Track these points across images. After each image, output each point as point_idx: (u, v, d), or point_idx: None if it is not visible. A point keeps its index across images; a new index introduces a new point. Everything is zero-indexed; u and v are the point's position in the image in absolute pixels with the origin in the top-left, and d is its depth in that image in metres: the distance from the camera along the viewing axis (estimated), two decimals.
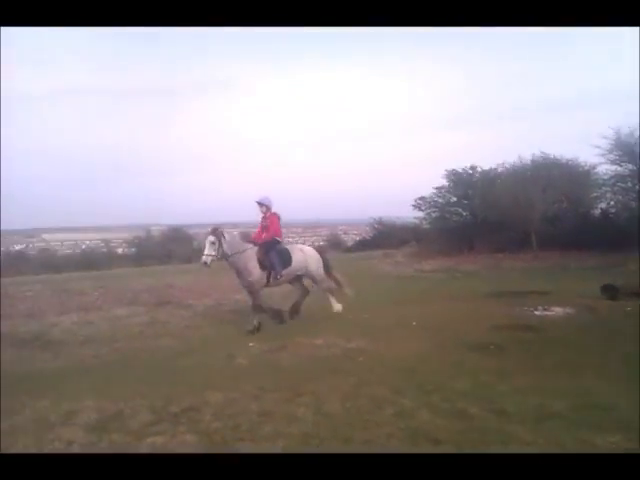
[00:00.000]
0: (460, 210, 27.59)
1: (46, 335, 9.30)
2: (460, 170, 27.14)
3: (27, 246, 53.95)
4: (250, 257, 9.39)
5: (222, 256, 9.17)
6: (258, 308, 9.49)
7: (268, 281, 9.59)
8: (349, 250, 40.06)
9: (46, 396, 5.88)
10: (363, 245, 40.78)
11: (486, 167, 27.17)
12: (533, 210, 21.91)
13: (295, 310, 10.29)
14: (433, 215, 28.28)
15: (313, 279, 10.44)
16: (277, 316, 9.83)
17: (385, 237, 38.37)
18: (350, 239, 50.91)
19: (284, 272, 9.66)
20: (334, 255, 35.94)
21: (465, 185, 26.91)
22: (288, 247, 10.19)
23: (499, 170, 26.64)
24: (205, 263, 9.05)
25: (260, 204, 9.84)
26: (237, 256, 9.31)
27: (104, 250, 40.34)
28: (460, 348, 7.43)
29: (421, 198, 28.18)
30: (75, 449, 4.46)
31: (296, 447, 4.36)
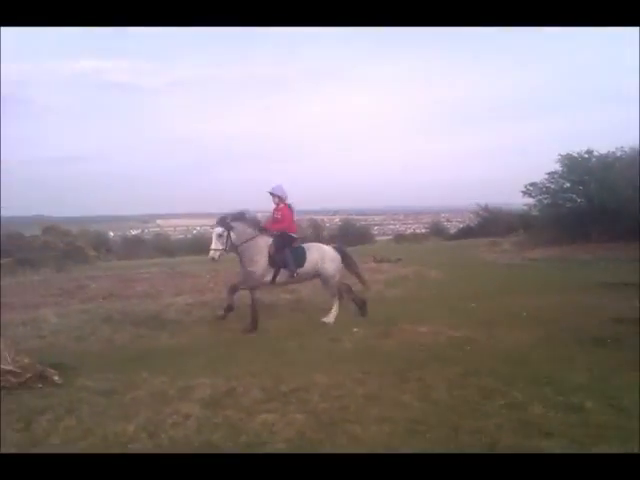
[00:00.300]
0: (574, 196, 25.99)
1: (162, 315, 9.87)
2: (575, 154, 25.58)
3: (143, 231, 57.29)
4: (260, 248, 8.69)
5: (231, 249, 8.61)
6: (232, 290, 8.88)
7: (274, 280, 8.83)
8: (452, 238, 39.24)
9: (164, 372, 6.25)
10: (467, 233, 39.74)
11: (603, 151, 25.45)
12: None
13: (361, 304, 9.54)
14: (545, 202, 26.91)
15: (325, 280, 9.31)
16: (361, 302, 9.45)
17: (490, 225, 37.16)
18: (453, 226, 49.87)
19: (299, 272, 8.88)
20: (436, 243, 35.46)
21: (580, 170, 25.32)
22: (305, 245, 9.29)
23: (618, 154, 24.89)
24: (213, 259, 8.58)
25: (272, 194, 9.01)
26: (246, 245, 8.66)
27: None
28: (574, 341, 7.10)
29: (532, 184, 26.86)
30: (192, 423, 4.74)
31: (402, 432, 4.39)
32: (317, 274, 9.22)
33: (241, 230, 8.63)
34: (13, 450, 4.25)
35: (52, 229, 25.31)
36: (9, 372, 5.96)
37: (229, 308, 8.79)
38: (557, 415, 4.59)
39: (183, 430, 4.58)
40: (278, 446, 4.25)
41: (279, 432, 4.49)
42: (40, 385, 5.92)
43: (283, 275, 8.79)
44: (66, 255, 22.55)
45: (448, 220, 58.30)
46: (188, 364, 6.69)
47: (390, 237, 46.48)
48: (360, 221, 50.51)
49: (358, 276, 9.83)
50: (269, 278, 8.75)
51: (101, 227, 40.81)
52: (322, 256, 9.10)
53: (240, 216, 8.76)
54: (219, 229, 8.47)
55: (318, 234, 39.35)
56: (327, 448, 4.18)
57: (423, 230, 47.28)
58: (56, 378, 6.05)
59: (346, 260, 9.56)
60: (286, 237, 8.90)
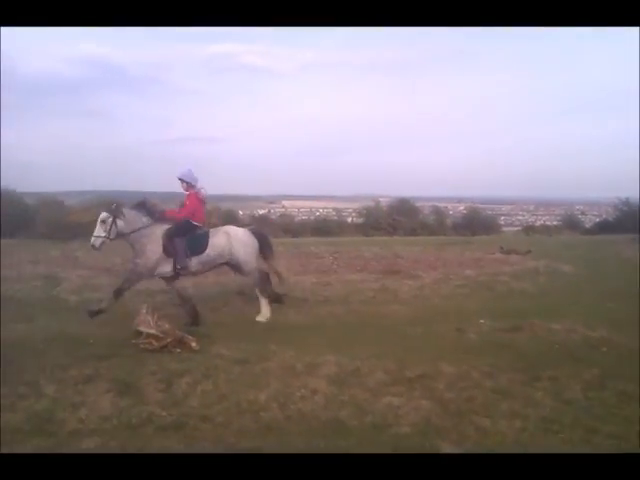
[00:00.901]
0: None
1: (290, 292, 10.17)
2: None
3: (269, 211, 59.23)
4: (156, 237, 7.93)
5: (117, 236, 7.81)
6: (119, 294, 7.83)
7: (175, 271, 8.05)
8: (587, 232, 36.81)
9: (291, 347, 6.47)
10: (603, 227, 37.05)
11: None
12: None
13: (276, 298, 8.85)
14: None
15: (239, 269, 8.49)
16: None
17: (630, 220, 34.33)
18: (588, 220, 46.74)
19: (198, 261, 8.06)
20: (570, 236, 33.43)
21: None
22: (212, 230, 8.43)
23: None
24: (93, 246, 7.78)
25: (181, 180, 8.28)
26: (137, 234, 7.90)
27: (335, 218, 42.60)
28: None
29: None
30: (320, 398, 4.88)
31: (534, 430, 4.25)
32: (229, 262, 8.42)
33: (132, 218, 7.91)
34: (158, 410, 4.62)
35: None
36: (152, 336, 6.47)
37: (99, 311, 7.71)
38: None
39: (311, 404, 4.75)
40: (403, 429, 4.29)
41: (404, 416, 4.52)
42: (179, 350, 6.36)
43: (194, 264, 8.07)
44: None
45: (583, 213, 54.69)
46: (314, 341, 6.87)
47: (518, 228, 44.48)
48: (486, 210, 48.83)
49: (271, 267, 8.86)
50: (166, 269, 8.00)
51: (230, 206, 42.58)
52: (230, 240, 8.26)
53: (138, 204, 8.14)
54: (103, 215, 7.76)
55: (441, 222, 38.62)
56: (453, 437, 4.15)
57: (555, 222, 44.67)
58: (194, 344, 6.47)
59: (263, 246, 8.66)
60: (185, 225, 8.12)
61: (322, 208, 61.20)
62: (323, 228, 35.15)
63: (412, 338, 7.11)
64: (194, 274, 8.44)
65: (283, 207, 69.44)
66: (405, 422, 4.41)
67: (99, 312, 7.63)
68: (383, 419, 4.46)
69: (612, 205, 40.07)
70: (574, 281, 11.97)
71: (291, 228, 35.73)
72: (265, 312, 8.37)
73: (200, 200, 8.30)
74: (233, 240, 8.25)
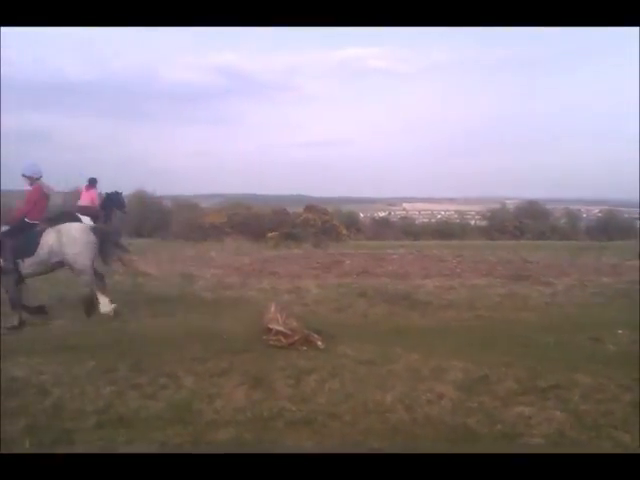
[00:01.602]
0: None
1: (413, 295, 10.14)
2: None
3: (389, 213, 59.16)
4: None
5: None
6: (15, 305, 7.54)
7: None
8: None
9: (416, 350, 6.45)
10: None
11: None
12: None
13: (88, 307, 8.05)
14: None
15: (71, 268, 7.92)
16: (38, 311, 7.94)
17: None
18: None
19: (32, 262, 7.55)
20: None
21: None
22: (47, 228, 7.77)
23: None
24: None
25: (23, 176, 7.75)
26: None
27: (457, 221, 41.74)
28: None
29: None
30: (447, 403, 4.84)
31: None
32: (60, 259, 7.79)
33: None
34: (288, 405, 4.82)
35: (312, 208, 27.50)
36: (280, 332, 6.75)
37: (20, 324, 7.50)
38: None
39: (438, 409, 4.72)
40: (535, 440, 4.15)
41: (536, 426, 4.37)
42: (305, 348, 6.58)
43: (27, 265, 7.59)
44: (323, 232, 24.47)
45: None
46: (439, 345, 6.80)
47: None
48: (624, 213, 45.41)
49: (130, 267, 8.60)
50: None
51: (351, 208, 43.04)
52: (60, 238, 7.65)
53: None
54: None
55: (574, 225, 36.50)
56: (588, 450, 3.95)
57: None
58: (319, 343, 6.66)
59: (105, 245, 8.14)
60: (20, 225, 7.68)
61: (444, 210, 60.17)
62: (445, 231, 34.55)
63: (544, 347, 6.81)
64: (28, 276, 7.86)
65: (404, 209, 69.12)
66: (537, 432, 4.26)
67: (17, 326, 7.41)
68: (513, 428, 4.34)
69: None
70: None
71: (412, 230, 35.49)
72: (106, 303, 8.01)
73: (43, 195, 7.84)
74: (64, 237, 7.68)
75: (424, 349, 6.52)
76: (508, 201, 45.70)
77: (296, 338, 6.70)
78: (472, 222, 43.91)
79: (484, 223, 39.56)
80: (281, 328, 6.78)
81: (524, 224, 33.72)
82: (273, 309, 7.07)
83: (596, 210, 45.86)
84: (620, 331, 7.53)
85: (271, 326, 6.82)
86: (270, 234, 22.86)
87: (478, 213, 45.44)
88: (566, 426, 4.36)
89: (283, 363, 5.94)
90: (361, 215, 46.34)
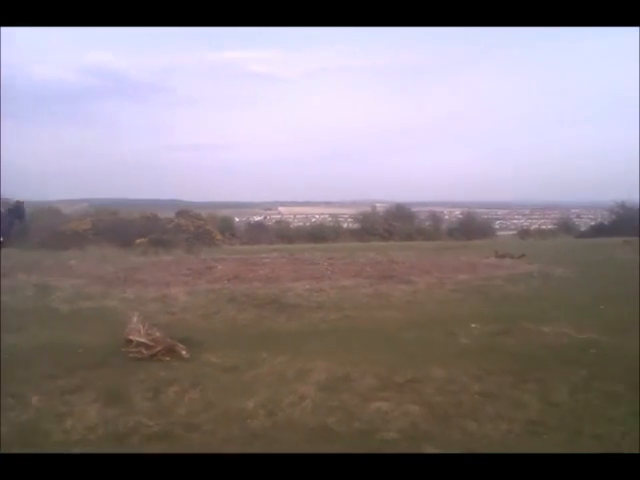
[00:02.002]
0: None
1: (282, 299, 10.20)
2: None
3: (265, 217, 59.28)
4: None
5: None
6: None
7: None
8: (582, 235, 36.96)
9: (283, 353, 6.48)
10: (599, 231, 37.17)
11: None
12: None
13: None
14: None
15: None
16: None
17: (627, 223, 34.48)
18: (584, 223, 46.92)
19: None
20: (565, 240, 33.50)
21: None
22: None
23: None
24: None
25: None
26: None
27: (331, 224, 42.68)
28: None
29: None
30: (308, 404, 4.89)
31: (520, 432, 4.26)
32: None
33: None
34: (145, 420, 4.62)
35: (184, 212, 26.95)
36: (141, 344, 6.47)
37: None
38: None
39: (299, 411, 4.74)
40: (390, 435, 4.28)
41: (392, 421, 4.53)
42: (168, 358, 6.36)
43: None
44: (196, 238, 24.00)
45: (578, 216, 54.94)
46: (305, 347, 6.89)
47: (514, 232, 44.69)
48: (482, 214, 49.00)
49: None
50: None
51: (227, 212, 42.70)
52: None
53: None
54: None
55: (437, 227, 38.76)
56: (440, 441, 4.15)
57: (550, 226, 44.85)
58: (184, 352, 6.48)
59: None
60: None
61: (319, 214, 61.30)
62: (319, 234, 35.18)
63: (404, 343, 7.11)
64: None
65: (279, 213, 69.61)
66: (393, 427, 4.41)
67: None
68: (371, 425, 4.46)
69: (608, 208, 40.25)
70: (567, 284, 12.01)
71: (287, 234, 35.77)
72: None
73: None
74: None
75: (290, 352, 6.56)
76: (378, 205, 47.52)
77: (159, 349, 6.45)
78: (345, 225, 45.14)
79: (357, 226, 40.79)
80: (142, 339, 6.51)
81: (393, 226, 35.30)
82: (135, 319, 6.77)
83: (457, 212, 48.97)
84: (473, 325, 8.04)
85: (132, 337, 6.52)
86: (138, 240, 22.00)
87: (351, 216, 46.72)
88: (420, 419, 4.55)
89: (143, 376, 5.71)
90: (236, 220, 46.01)
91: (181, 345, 6.60)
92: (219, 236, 26.94)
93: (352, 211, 48.87)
